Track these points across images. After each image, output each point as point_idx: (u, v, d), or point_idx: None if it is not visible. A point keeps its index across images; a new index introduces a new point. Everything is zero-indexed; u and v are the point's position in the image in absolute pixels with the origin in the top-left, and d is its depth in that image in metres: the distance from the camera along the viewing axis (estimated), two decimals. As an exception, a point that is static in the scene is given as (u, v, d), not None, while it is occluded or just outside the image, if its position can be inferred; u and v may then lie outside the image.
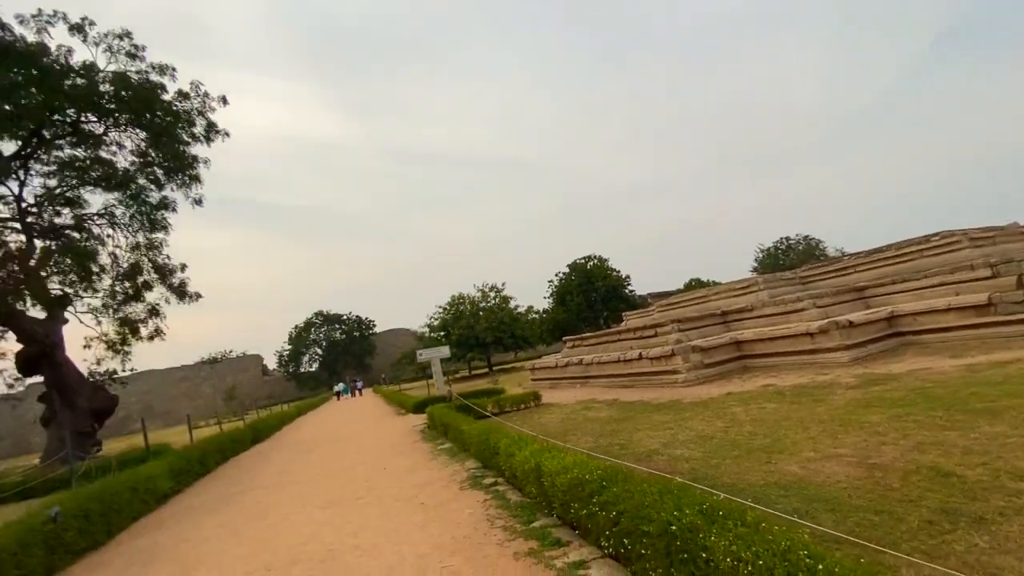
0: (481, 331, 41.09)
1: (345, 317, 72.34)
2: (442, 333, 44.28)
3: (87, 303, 17.98)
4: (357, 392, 48.43)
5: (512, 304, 45.54)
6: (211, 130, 17.35)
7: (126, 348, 19.03)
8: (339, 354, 68.80)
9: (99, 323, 18.37)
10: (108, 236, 17.99)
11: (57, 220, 17.33)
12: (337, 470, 9.62)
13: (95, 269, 17.20)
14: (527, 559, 3.91)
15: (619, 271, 52.03)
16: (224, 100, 17.42)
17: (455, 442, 9.64)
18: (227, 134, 17.88)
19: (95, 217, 17.60)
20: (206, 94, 17.03)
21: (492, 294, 46.27)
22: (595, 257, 52.98)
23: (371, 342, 72.87)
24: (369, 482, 7.88)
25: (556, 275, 54.19)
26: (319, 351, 70.13)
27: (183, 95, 16.72)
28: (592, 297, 49.70)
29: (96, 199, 17.91)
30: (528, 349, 47.89)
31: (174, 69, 16.74)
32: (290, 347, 68.08)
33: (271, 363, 70.45)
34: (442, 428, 11.05)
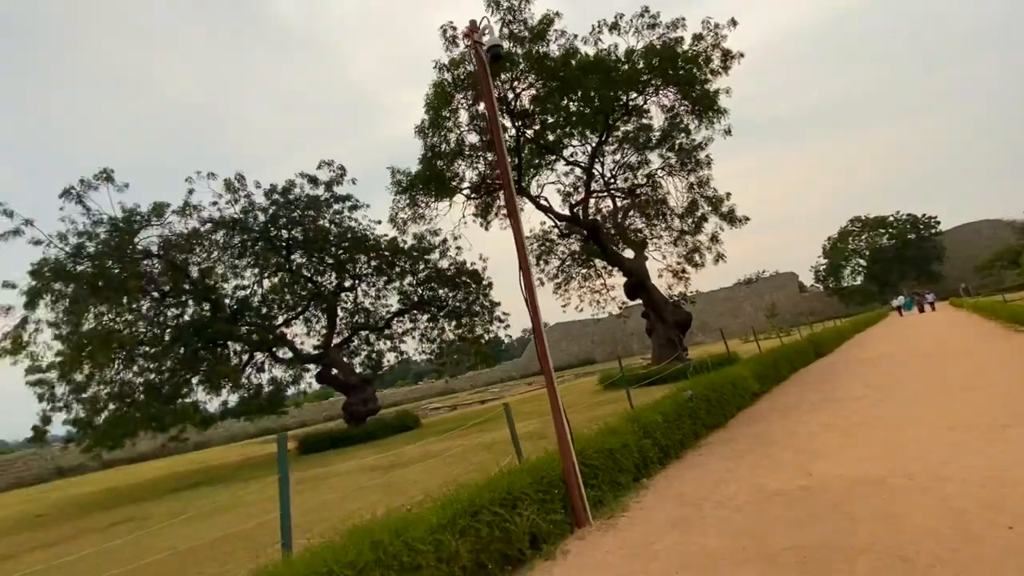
0: None
1: (892, 219, 60.20)
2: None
3: (659, 242, 22.97)
4: (927, 306, 39.63)
5: None
6: (727, 58, 17.85)
7: (686, 276, 23.12)
8: (888, 262, 58.18)
9: (664, 257, 23.11)
10: (666, 184, 22.16)
11: (633, 182, 22.82)
12: (947, 390, 8.16)
13: (665, 212, 21.71)
14: None
15: None
16: (733, 22, 17.45)
17: None
18: (741, 55, 17.98)
19: (658, 172, 22.06)
20: (716, 25, 17.53)
21: None
22: None
23: (935, 243, 57.54)
24: (1016, 408, 6.20)
25: None
26: (861, 262, 61.68)
27: (697, 37, 17.90)
28: None
29: (653, 156, 22.18)
30: None
31: (684, 19, 18.18)
32: (826, 261, 63.20)
33: (806, 280, 67.88)
34: None
